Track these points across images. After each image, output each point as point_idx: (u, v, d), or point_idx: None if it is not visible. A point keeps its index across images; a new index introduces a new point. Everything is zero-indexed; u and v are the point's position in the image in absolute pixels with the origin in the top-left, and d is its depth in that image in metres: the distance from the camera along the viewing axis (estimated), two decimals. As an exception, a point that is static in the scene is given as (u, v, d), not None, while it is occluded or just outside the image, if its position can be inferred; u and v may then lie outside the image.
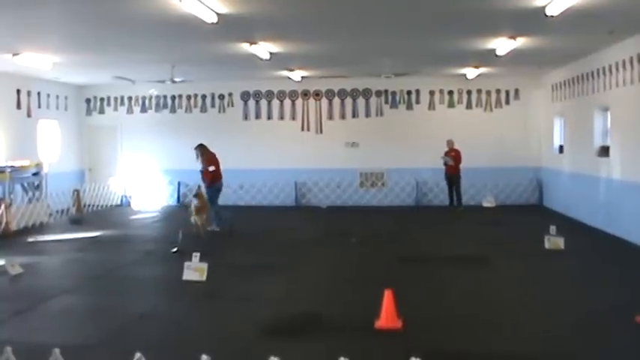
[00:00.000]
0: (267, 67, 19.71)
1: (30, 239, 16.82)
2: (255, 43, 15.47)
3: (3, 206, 17.55)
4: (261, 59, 17.23)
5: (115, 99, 25.59)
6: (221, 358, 5.77)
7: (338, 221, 20.04)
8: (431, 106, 24.43)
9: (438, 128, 23.65)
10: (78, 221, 20.02)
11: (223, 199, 24.54)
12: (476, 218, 20.35)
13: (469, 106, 24.33)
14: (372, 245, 15.64)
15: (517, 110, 24.13)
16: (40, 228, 18.87)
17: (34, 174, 19.93)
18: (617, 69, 16.23)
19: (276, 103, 24.97)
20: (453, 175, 22.22)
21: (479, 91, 24.23)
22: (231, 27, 13.20)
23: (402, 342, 8.03)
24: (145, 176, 25.29)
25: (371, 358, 7.53)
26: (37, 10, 11.75)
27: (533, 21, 12.84)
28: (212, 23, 12.15)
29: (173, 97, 25.29)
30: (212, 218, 17.41)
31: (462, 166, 22.06)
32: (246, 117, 25.05)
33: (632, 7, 12.05)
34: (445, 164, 22.20)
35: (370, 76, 23.37)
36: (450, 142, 22.26)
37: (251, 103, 25.04)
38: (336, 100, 24.76)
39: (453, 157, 22.07)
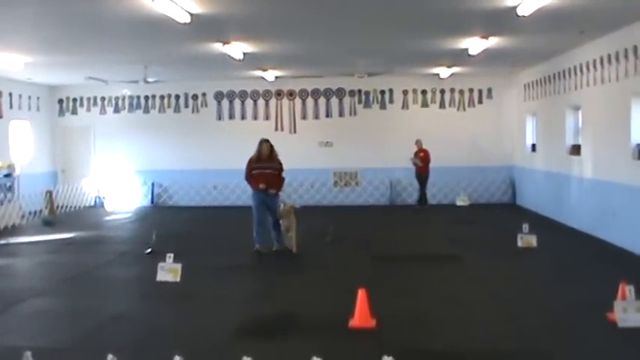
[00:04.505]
0: (241, 67, 19.68)
1: (2, 241, 16.65)
2: (229, 43, 15.45)
3: (-26, 208, 17.42)
4: (235, 59, 17.21)
5: (88, 99, 25.41)
6: (194, 359, 5.76)
7: (312, 221, 19.99)
8: (404, 105, 24.52)
9: (411, 128, 23.70)
10: (51, 223, 19.87)
11: (199, 199, 24.67)
12: (449, 217, 20.44)
13: (442, 105, 24.44)
14: (346, 244, 15.67)
15: (490, 109, 24.29)
16: (13, 230, 18.70)
17: (6, 175, 19.74)
18: (587, 69, 16.38)
19: (249, 103, 24.94)
20: (421, 176, 22.29)
21: (452, 91, 24.35)
22: (204, 27, 13.17)
23: (376, 341, 8.06)
24: (118, 177, 25.15)
25: (344, 358, 7.54)
26: (8, 10, 11.65)
27: (505, 21, 12.93)
28: (185, 23, 12.12)
29: (146, 98, 25.16)
30: (279, 234, 14.77)
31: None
32: (219, 117, 24.99)
33: (602, 8, 12.18)
34: (415, 164, 22.26)
35: (344, 76, 23.41)
36: (418, 142, 22.30)
37: (225, 103, 24.99)
38: (310, 100, 24.78)
39: (422, 157, 22.11)
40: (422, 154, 22.15)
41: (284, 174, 14.81)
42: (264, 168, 14.37)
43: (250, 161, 14.63)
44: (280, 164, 14.61)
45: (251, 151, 24.50)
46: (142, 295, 11.09)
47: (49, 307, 10.48)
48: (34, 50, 16.34)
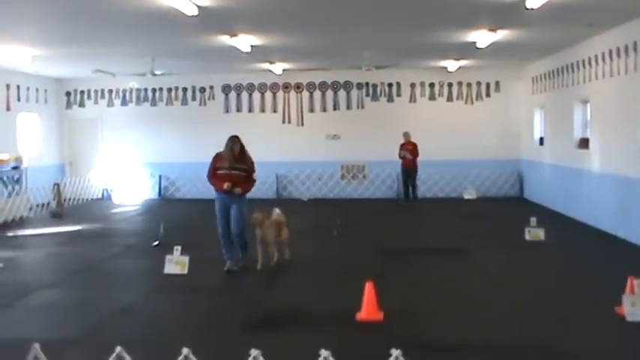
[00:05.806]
0: (248, 60, 19.66)
1: (10, 234, 16.70)
2: (236, 36, 15.43)
3: (-18, 200, 17.45)
4: (242, 52, 17.19)
5: (96, 92, 25.43)
6: (202, 352, 5.76)
7: (319, 214, 20.03)
8: (412, 98, 24.47)
9: (419, 121, 23.66)
10: (58, 215, 19.91)
11: (206, 191, 24.60)
12: (457, 210, 20.41)
13: (450, 98, 24.38)
14: (354, 237, 15.65)
15: (498, 103, 24.22)
16: (20, 222, 18.74)
17: (14, 168, 19.78)
18: (596, 61, 16.31)
19: (257, 95, 24.92)
20: (410, 169, 22.21)
21: (460, 84, 24.28)
22: (211, 19, 13.16)
23: (384, 334, 8.05)
24: (125, 169, 25.19)
25: (352, 351, 7.52)
26: (15, 2, 11.65)
27: (514, 13, 12.88)
28: (192, 16, 12.11)
29: (154, 90, 25.17)
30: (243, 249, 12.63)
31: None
32: (227, 110, 24.99)
33: (611, 0, 12.12)
34: (403, 158, 22.16)
35: (351, 69, 23.34)
36: (406, 135, 22.18)
37: (232, 95, 24.98)
38: (317, 93, 24.75)
39: (410, 150, 22.01)
40: (410, 147, 22.04)
41: (255, 175, 12.57)
42: (232, 169, 12.12)
43: (216, 158, 12.42)
44: (252, 164, 12.41)
45: (258, 144, 24.48)
46: (149, 288, 11.10)
47: (57, 299, 10.51)
48: (42, 43, 16.33)
